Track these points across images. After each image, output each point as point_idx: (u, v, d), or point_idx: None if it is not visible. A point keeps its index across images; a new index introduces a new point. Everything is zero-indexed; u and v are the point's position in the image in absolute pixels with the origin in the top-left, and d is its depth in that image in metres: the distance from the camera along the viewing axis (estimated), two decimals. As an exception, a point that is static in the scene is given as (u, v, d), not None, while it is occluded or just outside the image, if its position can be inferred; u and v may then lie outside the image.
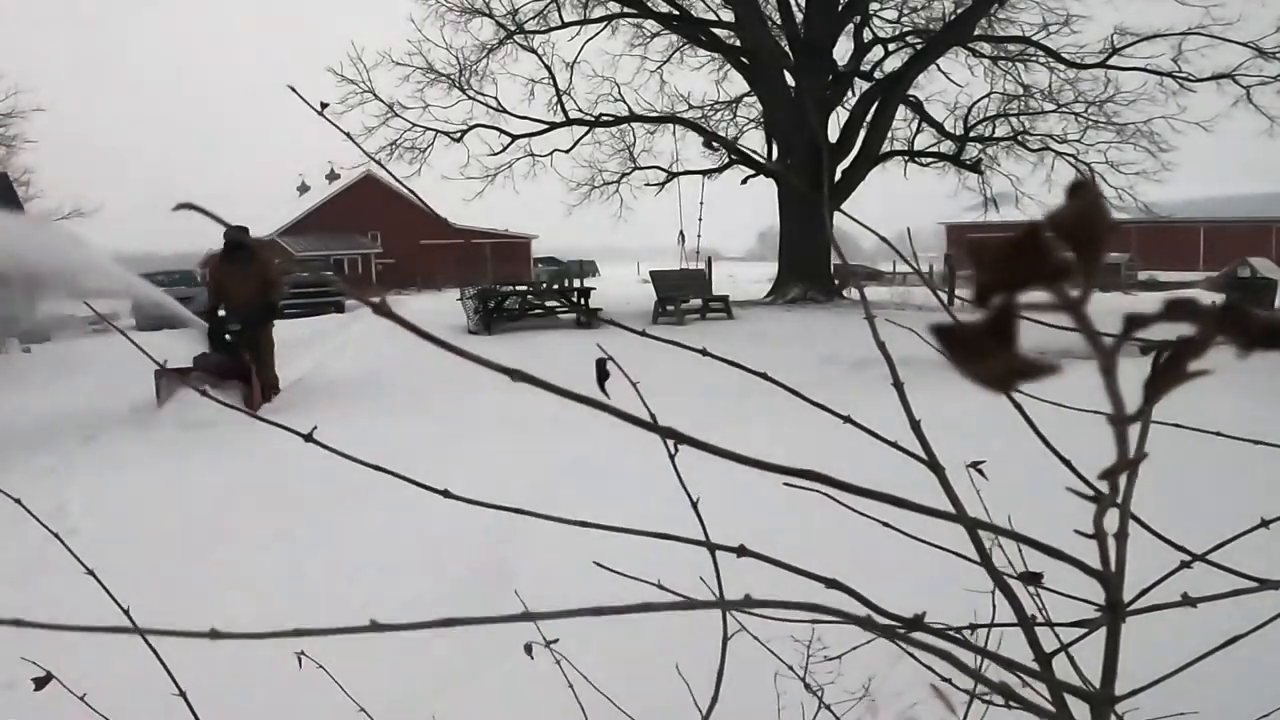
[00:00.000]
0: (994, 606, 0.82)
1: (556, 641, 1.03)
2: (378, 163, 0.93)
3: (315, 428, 0.48)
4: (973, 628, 0.72)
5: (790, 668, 1.09)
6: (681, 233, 21.03)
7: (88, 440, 7.85)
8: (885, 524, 0.68)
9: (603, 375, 0.39)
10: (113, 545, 4.56)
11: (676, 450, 0.42)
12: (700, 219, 20.38)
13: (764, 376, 0.61)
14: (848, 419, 0.60)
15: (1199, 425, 0.77)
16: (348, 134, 0.58)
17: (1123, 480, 0.63)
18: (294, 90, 0.55)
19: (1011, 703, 0.64)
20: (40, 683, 0.73)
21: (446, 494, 0.66)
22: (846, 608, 0.69)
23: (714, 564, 0.48)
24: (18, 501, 0.89)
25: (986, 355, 0.26)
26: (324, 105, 0.58)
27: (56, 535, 0.85)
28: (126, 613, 0.75)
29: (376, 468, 0.58)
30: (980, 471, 0.69)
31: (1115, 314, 0.32)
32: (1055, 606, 0.80)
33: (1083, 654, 0.73)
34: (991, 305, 0.25)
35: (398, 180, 1.05)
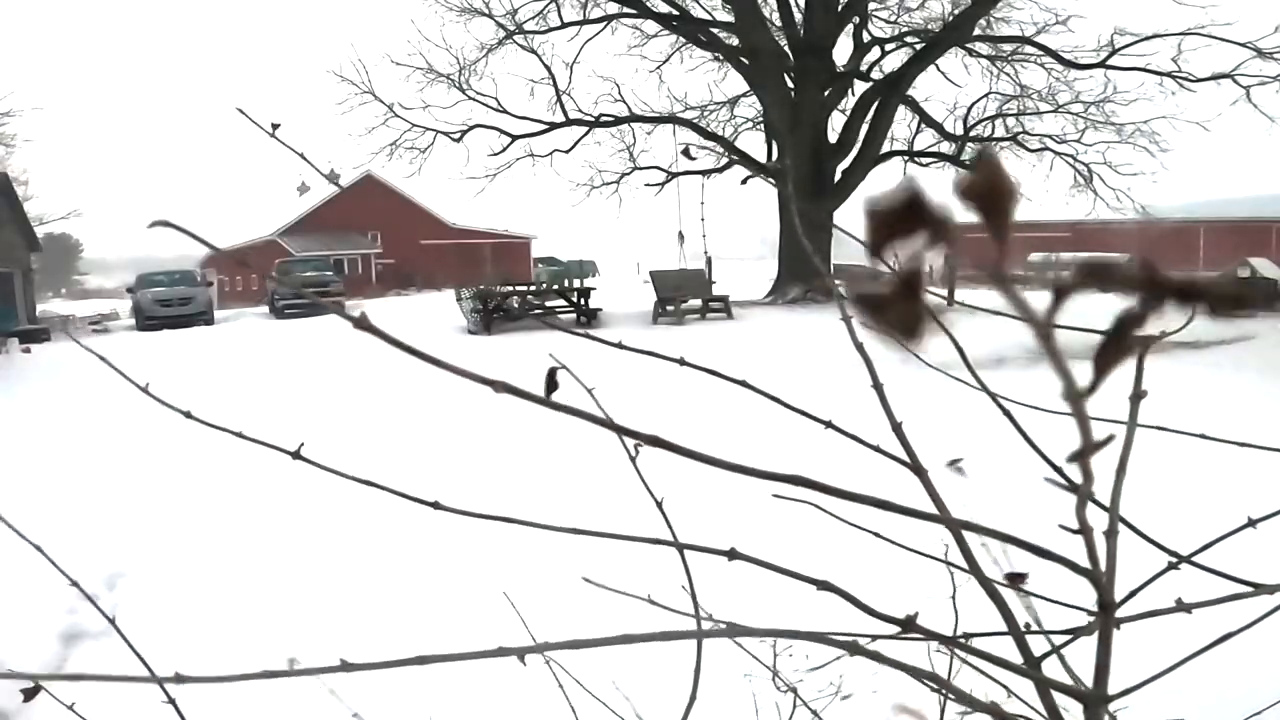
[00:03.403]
0: (956, 610, 0.82)
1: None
2: (334, 183, 0.93)
3: (302, 445, 0.48)
4: (967, 636, 0.72)
5: (772, 671, 1.09)
6: (680, 233, 21.02)
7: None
8: (875, 534, 0.68)
9: (551, 386, 0.39)
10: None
11: (637, 453, 0.42)
12: (702, 219, 20.38)
13: (743, 384, 0.61)
14: (829, 424, 0.60)
15: (1185, 428, 0.77)
16: (301, 154, 0.57)
17: (1111, 477, 0.63)
18: (242, 112, 0.55)
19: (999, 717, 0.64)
20: (29, 694, 0.73)
21: (437, 506, 0.66)
22: (841, 609, 0.69)
23: (685, 570, 0.48)
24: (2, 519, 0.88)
25: (893, 305, 0.27)
26: (275, 126, 0.58)
27: (40, 549, 0.85)
28: (112, 621, 0.75)
29: (366, 482, 0.58)
30: (960, 469, 0.69)
31: (1110, 314, 0.32)
32: (1045, 607, 0.80)
33: (1073, 656, 0.73)
34: (901, 263, 0.27)
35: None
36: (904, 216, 0.26)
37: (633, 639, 0.37)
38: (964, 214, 0.27)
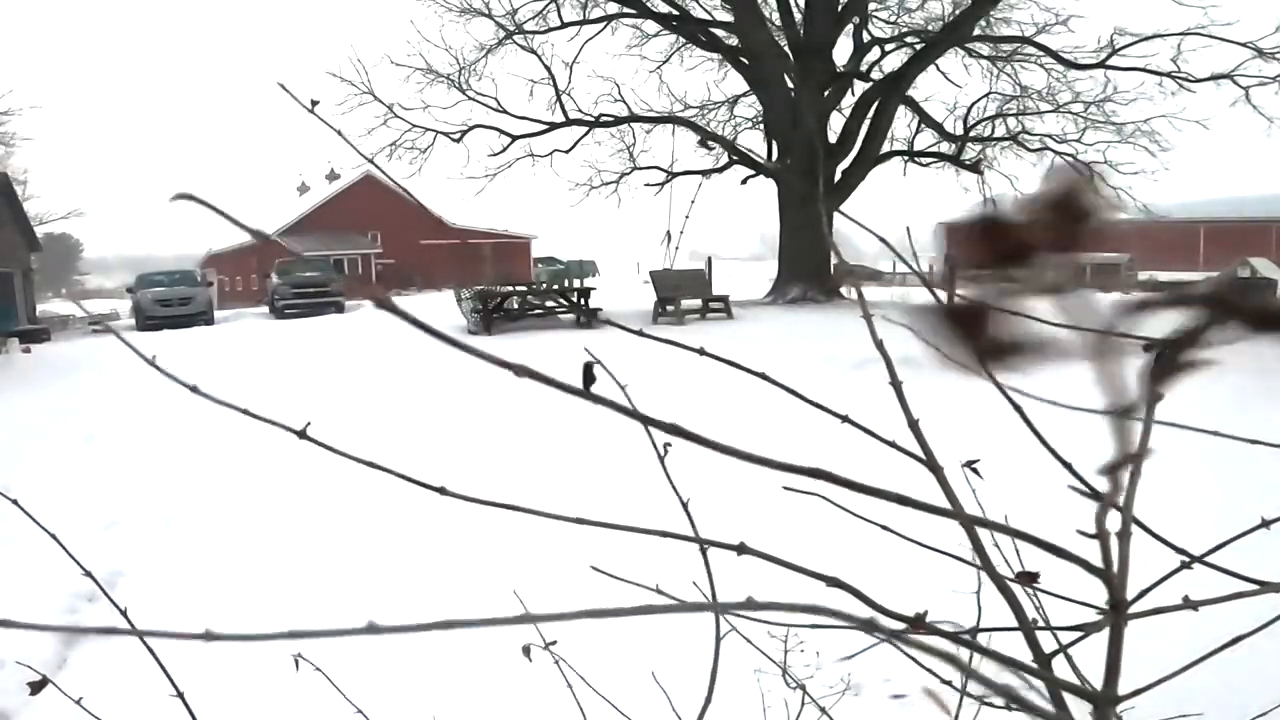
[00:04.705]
0: (979, 606, 0.82)
1: (555, 643, 1.02)
2: (371, 162, 0.93)
3: (309, 424, 0.48)
4: (975, 631, 0.72)
5: (783, 668, 1.09)
6: (668, 232, 20.98)
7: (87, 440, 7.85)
8: (885, 527, 0.68)
9: (589, 379, 0.39)
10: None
11: (666, 450, 0.41)
12: (687, 217, 20.29)
13: (762, 376, 0.61)
14: (845, 418, 0.59)
15: (1198, 425, 0.76)
16: (339, 131, 0.57)
17: (1125, 479, 0.63)
18: (284, 88, 0.55)
19: (1013, 705, 0.64)
20: (36, 686, 0.72)
21: (443, 491, 0.65)
22: (847, 607, 0.69)
23: (705, 564, 0.48)
24: (14, 502, 0.88)
25: (970, 334, 0.26)
26: (314, 103, 0.58)
27: (55, 538, 0.85)
28: (124, 612, 0.74)
29: (372, 465, 0.57)
30: (975, 470, 0.69)
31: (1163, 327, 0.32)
32: (1054, 605, 0.79)
33: (1081, 656, 0.72)
34: (976, 287, 0.26)
35: (393, 181, 1.04)
36: (995, 236, 0.25)
37: (653, 610, 0.36)
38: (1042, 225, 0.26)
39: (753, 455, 0.41)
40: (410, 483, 0.54)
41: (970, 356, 0.26)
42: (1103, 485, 0.46)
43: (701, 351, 0.57)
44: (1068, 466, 0.55)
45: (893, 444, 0.58)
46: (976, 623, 0.85)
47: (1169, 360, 0.29)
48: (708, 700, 0.76)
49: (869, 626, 0.41)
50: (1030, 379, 0.70)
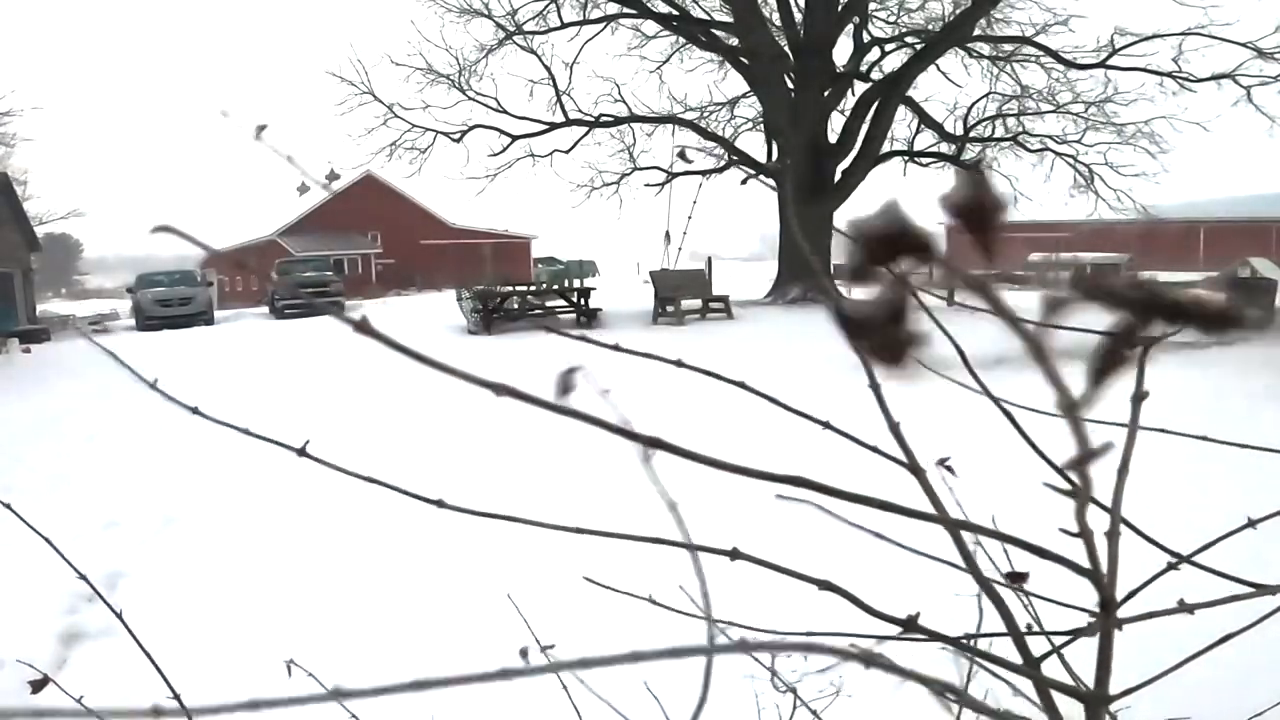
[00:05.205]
0: (981, 611, 0.82)
1: (553, 647, 1.03)
2: (327, 189, 0.93)
3: (308, 442, 0.48)
4: (967, 638, 0.73)
5: (772, 672, 1.09)
6: (667, 233, 20.98)
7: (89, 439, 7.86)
8: (877, 534, 0.69)
9: (565, 389, 0.39)
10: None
11: (650, 457, 0.42)
12: (689, 218, 20.30)
13: (740, 385, 0.62)
14: (826, 424, 0.60)
15: (1186, 429, 0.77)
16: (289, 157, 0.57)
17: (1113, 479, 0.64)
18: (226, 115, 0.55)
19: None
20: (37, 685, 0.73)
21: (441, 504, 0.66)
22: (843, 608, 0.69)
23: (697, 571, 0.48)
24: (7, 506, 0.89)
25: (878, 330, 0.27)
26: (261, 128, 0.58)
27: (50, 542, 0.85)
28: (119, 615, 0.75)
29: (371, 480, 0.58)
30: (949, 469, 0.69)
31: (1106, 319, 0.32)
32: (1047, 606, 0.80)
33: (1074, 656, 0.73)
34: (886, 284, 0.27)
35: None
36: (890, 239, 0.26)
37: (642, 656, 0.37)
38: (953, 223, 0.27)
39: (733, 465, 0.42)
40: (409, 496, 0.54)
41: (870, 357, 0.27)
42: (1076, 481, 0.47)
43: (679, 363, 0.58)
44: (1051, 464, 0.56)
45: (874, 448, 0.59)
46: (979, 622, 0.86)
47: (1108, 354, 0.30)
48: (701, 702, 0.76)
49: (866, 659, 0.42)
50: (1019, 382, 0.70)
